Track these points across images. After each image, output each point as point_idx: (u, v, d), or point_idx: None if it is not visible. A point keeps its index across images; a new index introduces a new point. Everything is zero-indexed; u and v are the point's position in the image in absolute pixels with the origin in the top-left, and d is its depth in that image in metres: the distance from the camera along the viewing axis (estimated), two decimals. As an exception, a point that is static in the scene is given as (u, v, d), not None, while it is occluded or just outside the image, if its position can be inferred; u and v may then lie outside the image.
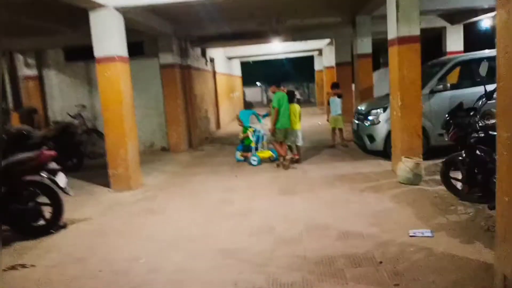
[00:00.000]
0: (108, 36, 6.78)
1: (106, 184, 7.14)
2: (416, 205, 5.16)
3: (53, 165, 5.15)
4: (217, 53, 16.29)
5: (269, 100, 8.61)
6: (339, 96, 9.85)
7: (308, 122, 15.22)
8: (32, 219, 5.10)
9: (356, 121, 8.81)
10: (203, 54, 13.66)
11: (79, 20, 7.66)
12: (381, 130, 7.84)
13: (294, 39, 13.95)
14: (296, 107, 8.28)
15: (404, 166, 6.07)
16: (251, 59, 23.70)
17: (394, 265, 3.59)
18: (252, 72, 29.60)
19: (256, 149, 8.63)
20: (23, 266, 4.17)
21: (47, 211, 5.16)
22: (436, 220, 4.60)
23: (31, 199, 5.04)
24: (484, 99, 4.88)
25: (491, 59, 3.77)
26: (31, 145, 8.58)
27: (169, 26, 10.02)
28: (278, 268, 3.72)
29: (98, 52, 6.81)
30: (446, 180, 5.34)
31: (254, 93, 30.62)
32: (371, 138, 8.04)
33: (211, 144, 11.83)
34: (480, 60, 8.14)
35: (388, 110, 7.66)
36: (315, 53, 22.38)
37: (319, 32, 13.48)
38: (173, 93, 10.42)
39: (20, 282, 3.87)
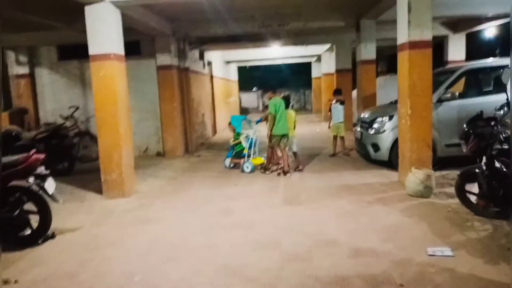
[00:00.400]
0: (104, 32, 6.43)
1: (99, 191, 6.75)
2: (429, 219, 4.85)
3: (42, 169, 4.77)
4: (215, 57, 15.97)
5: (266, 106, 8.30)
6: (342, 102, 9.57)
7: (306, 130, 14.94)
8: (17, 229, 4.72)
9: (360, 130, 8.52)
10: (201, 57, 13.33)
11: (74, 16, 7.33)
12: (386, 139, 7.55)
13: (294, 43, 13.69)
14: (291, 113, 8.14)
15: (414, 177, 5.76)
16: (248, 64, 23.40)
17: (416, 289, 3.27)
18: (249, 77, 29.31)
19: (249, 155, 8.33)
20: (6, 281, 3.78)
21: (34, 220, 4.78)
22: (453, 237, 4.29)
23: (16, 206, 4.65)
24: (506, 108, 4.60)
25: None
26: (20, 147, 8.29)
27: (167, 25, 9.68)
28: (288, 289, 3.39)
29: (93, 49, 6.46)
30: (461, 194, 5.04)
31: (250, 98, 30.25)
32: (376, 147, 7.75)
33: (207, 150, 11.47)
34: (489, 69, 8.07)
35: (394, 119, 7.40)
36: (313, 59, 22.15)
37: (320, 37, 13.29)
38: (170, 96, 10.06)
39: (1, 300, 3.50)
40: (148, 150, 10.63)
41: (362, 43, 10.12)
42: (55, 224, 4.91)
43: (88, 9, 6.39)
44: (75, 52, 10.28)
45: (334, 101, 9.70)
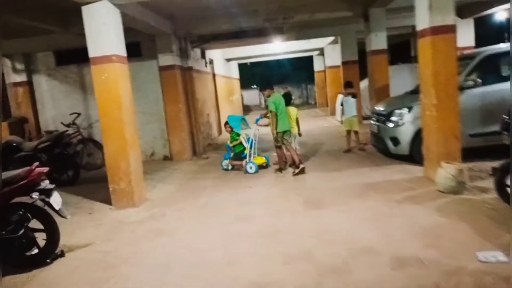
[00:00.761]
0: (103, 32, 6.03)
1: (107, 200, 6.38)
2: (469, 219, 4.45)
3: (46, 183, 4.38)
4: (216, 55, 15.57)
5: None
6: (354, 96, 9.17)
7: (313, 125, 14.55)
8: (23, 248, 4.34)
9: (376, 123, 8.12)
10: (203, 55, 12.93)
11: (71, 18, 6.95)
12: (406, 132, 7.15)
13: (298, 37, 13.29)
14: (292, 110, 7.98)
15: (445, 173, 5.36)
16: (249, 61, 22.99)
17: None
18: (249, 74, 28.89)
19: (249, 155, 7.99)
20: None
21: (41, 238, 4.41)
22: (502, 238, 3.89)
23: (21, 225, 4.27)
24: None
25: None
26: (22, 158, 7.91)
27: (167, 24, 9.27)
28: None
29: (93, 52, 6.06)
30: (501, 189, 4.65)
31: (252, 95, 29.84)
32: (396, 141, 7.34)
33: (215, 151, 11.08)
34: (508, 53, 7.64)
35: (414, 110, 7.01)
36: (315, 53, 21.75)
37: (324, 30, 12.90)
38: (174, 97, 9.67)
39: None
40: (155, 155, 10.23)
41: (372, 33, 9.69)
42: (63, 240, 4.53)
43: (85, 10, 5.99)
44: (73, 56, 9.92)
45: (345, 94, 9.30)
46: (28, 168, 4.31)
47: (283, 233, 4.62)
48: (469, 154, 6.27)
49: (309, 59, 24.36)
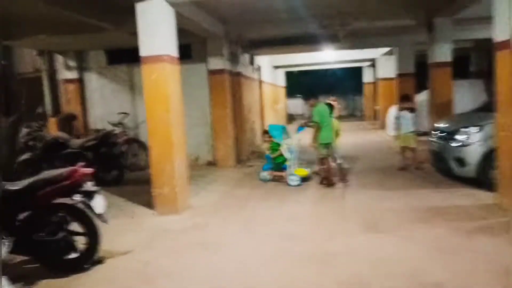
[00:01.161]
0: (156, 31, 5.85)
1: (149, 204, 6.15)
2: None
3: (89, 186, 4.16)
4: (264, 61, 15.30)
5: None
6: (412, 110, 8.54)
7: (363, 139, 13.94)
8: (61, 251, 4.13)
9: (437, 141, 7.47)
10: (251, 61, 12.67)
11: (123, 16, 6.80)
12: (474, 153, 6.48)
13: (353, 46, 12.76)
14: (334, 122, 7.66)
15: (526, 202, 4.72)
16: (297, 69, 22.60)
17: None
18: (295, 82, 28.40)
19: (290, 167, 7.57)
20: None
21: (81, 242, 4.19)
22: None
23: (60, 227, 4.07)
24: None
25: None
26: (68, 155, 7.88)
27: (220, 26, 9.04)
28: None
29: (144, 51, 5.88)
30: None
31: (297, 105, 29.34)
32: (461, 162, 6.67)
33: (259, 159, 10.72)
34: None
35: (485, 129, 6.35)
36: (366, 64, 21.06)
37: (381, 39, 12.28)
38: (222, 102, 9.42)
39: None
40: (199, 159, 10.01)
41: (435, 44, 9.02)
42: (103, 244, 4.27)
43: (139, 6, 5.83)
44: (124, 56, 9.93)
45: (402, 109, 8.68)
46: (71, 168, 4.11)
47: (337, 258, 4.16)
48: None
49: (357, 70, 23.66)
